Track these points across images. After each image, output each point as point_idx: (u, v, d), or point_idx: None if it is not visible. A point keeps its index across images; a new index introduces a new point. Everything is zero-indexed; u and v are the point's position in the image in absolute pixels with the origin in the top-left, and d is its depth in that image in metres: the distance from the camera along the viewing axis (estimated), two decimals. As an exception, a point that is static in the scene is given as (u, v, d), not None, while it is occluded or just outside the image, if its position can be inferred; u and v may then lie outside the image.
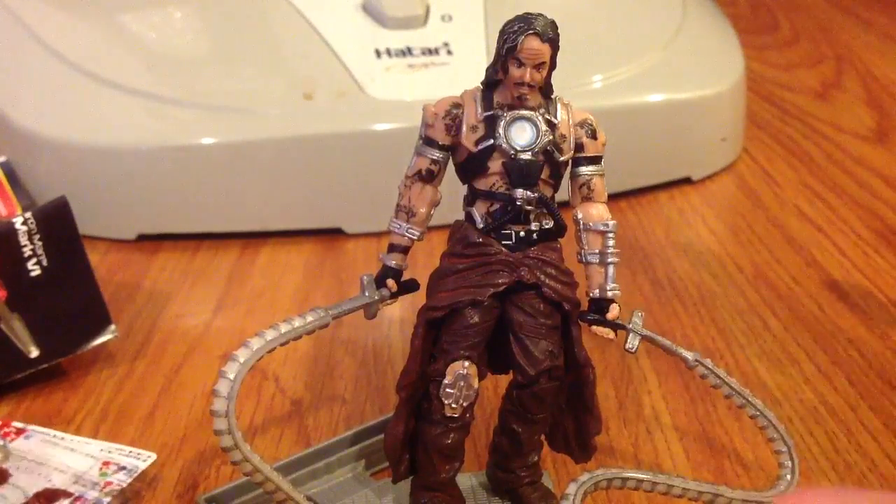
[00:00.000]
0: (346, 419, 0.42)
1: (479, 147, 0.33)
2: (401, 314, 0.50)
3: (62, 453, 0.39)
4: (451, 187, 0.35)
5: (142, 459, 0.38)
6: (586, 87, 0.64)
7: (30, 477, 0.37)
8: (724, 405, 0.43)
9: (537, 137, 0.33)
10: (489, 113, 0.33)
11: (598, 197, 0.35)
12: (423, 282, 0.35)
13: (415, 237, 0.35)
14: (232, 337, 0.49)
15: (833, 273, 0.55)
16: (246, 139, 0.58)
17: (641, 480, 0.33)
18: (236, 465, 0.30)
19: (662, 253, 0.58)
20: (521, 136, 0.33)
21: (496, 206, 0.33)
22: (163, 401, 0.44)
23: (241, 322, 0.51)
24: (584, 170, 0.34)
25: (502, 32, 0.32)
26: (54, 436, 0.40)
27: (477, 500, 0.37)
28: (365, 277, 0.35)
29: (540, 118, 0.33)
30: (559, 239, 0.34)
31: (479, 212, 0.34)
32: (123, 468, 0.38)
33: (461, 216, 0.35)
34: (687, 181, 0.68)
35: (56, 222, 0.46)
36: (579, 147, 0.34)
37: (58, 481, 0.37)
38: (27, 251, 0.45)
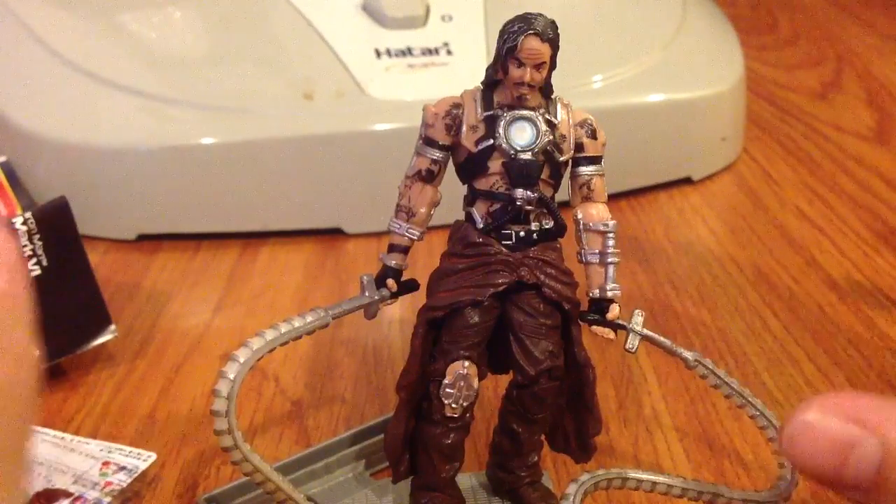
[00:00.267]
0: (346, 419, 0.42)
1: (479, 147, 0.33)
2: (401, 314, 0.50)
3: (62, 453, 0.39)
4: (451, 187, 0.35)
5: (142, 459, 0.38)
6: (586, 87, 0.64)
7: (30, 477, 0.37)
8: (724, 405, 0.43)
9: (537, 137, 0.33)
10: (489, 113, 0.33)
11: (598, 197, 0.35)
12: (423, 282, 0.35)
13: (415, 237, 0.35)
14: (232, 337, 0.49)
15: (833, 273, 0.55)
16: (246, 139, 0.58)
17: (641, 480, 0.33)
18: (236, 465, 0.30)
19: (662, 253, 0.58)
20: (521, 136, 0.33)
21: (496, 206, 0.33)
22: (163, 401, 0.44)
23: (241, 322, 0.51)
24: (584, 170, 0.34)
25: (502, 32, 0.32)
26: (54, 436, 0.40)
27: (477, 500, 0.37)
28: (365, 277, 0.35)
29: (540, 118, 0.33)
30: (559, 239, 0.34)
31: (479, 212, 0.34)
32: (123, 468, 0.38)
33: (461, 216, 0.35)
34: (687, 181, 0.68)
35: (56, 222, 0.46)
36: (579, 147, 0.34)
37: (58, 481, 0.37)
38: (27, 251, 0.45)
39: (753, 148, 0.74)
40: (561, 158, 0.33)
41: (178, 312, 0.52)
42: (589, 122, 0.34)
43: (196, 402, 0.44)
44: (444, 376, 0.33)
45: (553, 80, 0.33)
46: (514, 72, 0.32)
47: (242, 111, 0.59)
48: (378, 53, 0.62)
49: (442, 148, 0.34)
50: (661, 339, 0.35)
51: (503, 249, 0.33)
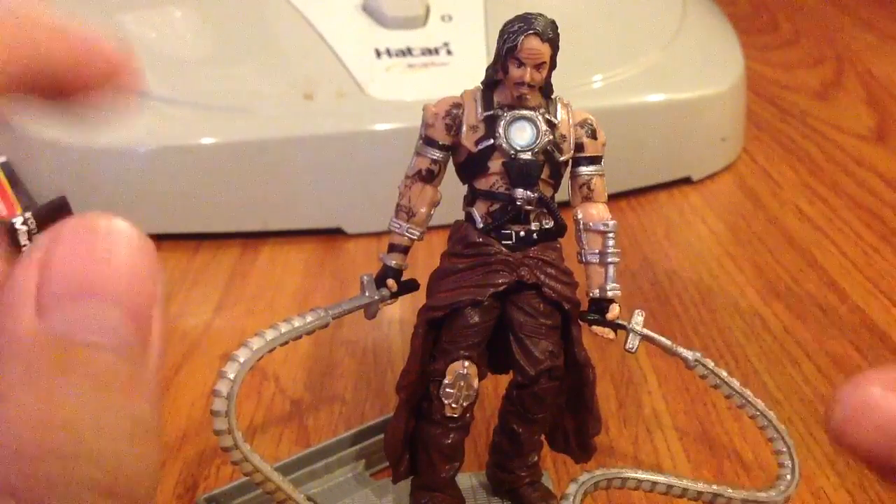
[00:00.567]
0: (346, 419, 0.42)
1: (479, 147, 0.33)
2: (401, 314, 0.50)
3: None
4: (451, 187, 0.35)
5: (142, 459, 0.38)
6: (586, 87, 0.64)
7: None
8: (724, 405, 0.43)
9: (537, 137, 0.33)
10: (489, 113, 0.33)
11: (598, 197, 0.35)
12: (423, 282, 0.35)
13: (415, 237, 0.35)
14: (232, 337, 0.49)
15: (833, 273, 0.55)
16: (246, 139, 0.58)
17: (641, 480, 0.33)
18: (236, 465, 0.30)
19: (662, 253, 0.58)
20: (521, 136, 0.33)
21: (496, 206, 0.33)
22: (163, 401, 0.44)
23: (241, 322, 0.51)
24: (584, 170, 0.34)
25: (502, 32, 0.32)
26: (54, 436, 0.40)
27: (477, 500, 0.37)
28: (365, 277, 0.35)
29: (540, 118, 0.33)
30: (559, 239, 0.34)
31: (479, 212, 0.34)
32: (123, 468, 0.38)
33: (461, 216, 0.35)
34: (687, 181, 0.68)
35: (56, 222, 0.46)
36: (579, 147, 0.34)
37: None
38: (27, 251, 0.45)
39: (753, 148, 0.74)
40: (561, 158, 0.33)
41: (178, 312, 0.52)
42: (589, 122, 0.34)
43: (196, 402, 0.44)
44: (444, 376, 0.33)
45: (553, 80, 0.33)
46: (514, 72, 0.32)
47: (242, 111, 0.59)
48: (378, 53, 0.62)
49: (442, 148, 0.34)
50: (661, 339, 0.35)
51: (503, 249, 0.33)
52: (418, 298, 0.35)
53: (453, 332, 0.33)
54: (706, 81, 0.68)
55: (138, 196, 0.59)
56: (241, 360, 0.30)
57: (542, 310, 0.34)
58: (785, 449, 0.36)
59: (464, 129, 0.33)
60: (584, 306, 0.35)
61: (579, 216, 0.34)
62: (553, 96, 0.34)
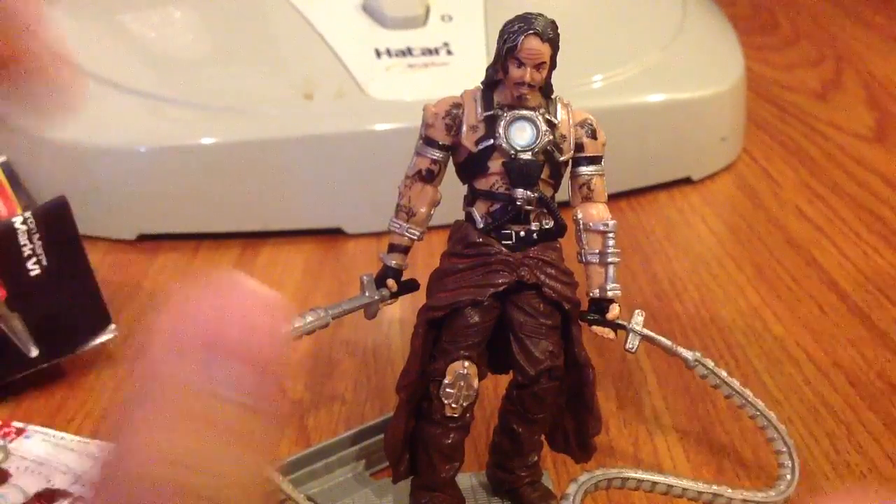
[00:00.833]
0: (346, 419, 0.42)
1: (480, 147, 0.33)
2: (401, 314, 0.50)
3: (62, 453, 0.39)
4: (451, 187, 0.35)
5: (142, 459, 0.38)
6: (586, 87, 0.64)
7: (30, 477, 0.37)
8: (725, 405, 0.43)
9: (537, 137, 0.33)
10: (489, 113, 0.33)
11: (598, 197, 0.35)
12: (423, 282, 0.35)
13: (415, 237, 0.35)
14: (232, 337, 0.49)
15: (833, 273, 0.55)
16: (246, 139, 0.58)
17: (641, 480, 0.33)
18: (236, 465, 0.30)
19: (662, 253, 0.58)
20: (521, 136, 0.33)
21: (496, 206, 0.33)
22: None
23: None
24: (584, 170, 0.34)
25: (502, 32, 0.32)
26: (54, 436, 0.40)
27: (477, 500, 0.37)
28: (365, 277, 0.35)
29: (540, 118, 0.33)
30: (559, 239, 0.34)
31: (479, 212, 0.34)
32: (123, 468, 0.38)
33: (461, 216, 0.35)
34: (687, 181, 0.68)
35: (56, 222, 0.46)
36: (579, 147, 0.34)
37: (58, 481, 0.37)
38: (27, 251, 0.45)
39: (753, 148, 0.74)
40: (561, 158, 0.33)
41: (178, 312, 0.52)
42: (589, 121, 0.34)
43: (196, 402, 0.44)
44: (444, 376, 0.33)
45: (553, 80, 0.33)
46: (514, 72, 0.32)
47: (242, 111, 0.59)
48: (378, 53, 0.62)
49: (442, 148, 0.34)
50: (661, 339, 0.35)
51: (503, 249, 0.33)
52: (418, 298, 0.35)
53: (453, 332, 0.33)
54: (706, 81, 0.68)
55: (138, 196, 0.59)
56: (241, 360, 0.30)
57: (542, 310, 0.34)
58: (785, 449, 0.36)
59: (464, 129, 0.33)
60: (584, 306, 0.35)
61: (579, 216, 0.34)
62: (553, 96, 0.34)
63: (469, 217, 0.34)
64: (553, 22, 0.32)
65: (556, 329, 0.34)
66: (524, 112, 0.33)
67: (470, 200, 0.34)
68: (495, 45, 0.33)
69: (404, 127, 0.57)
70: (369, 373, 0.46)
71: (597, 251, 0.34)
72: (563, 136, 0.33)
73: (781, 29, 1.07)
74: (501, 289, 0.33)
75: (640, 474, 0.33)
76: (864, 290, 0.53)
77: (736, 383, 0.35)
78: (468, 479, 0.38)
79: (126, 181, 0.58)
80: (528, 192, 0.33)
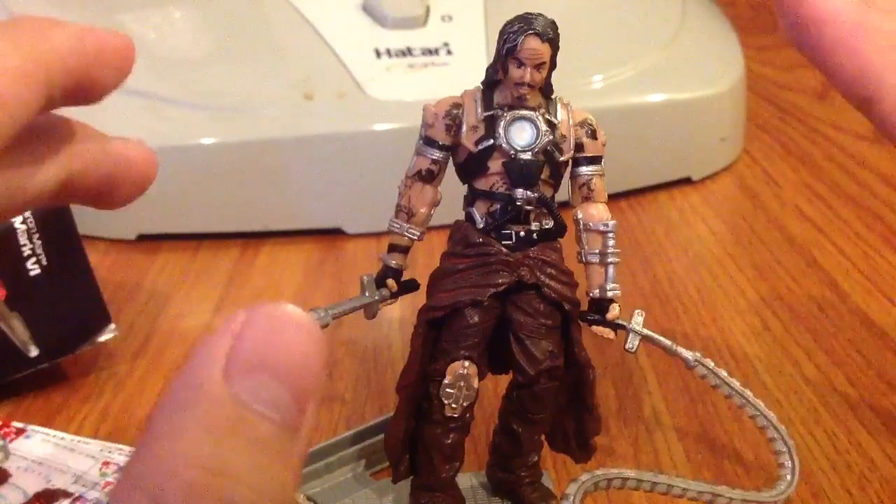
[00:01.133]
0: (346, 419, 0.42)
1: (480, 147, 0.33)
2: (401, 314, 0.50)
3: (62, 453, 0.39)
4: (451, 187, 0.35)
5: (142, 459, 0.38)
6: (586, 87, 0.64)
7: (30, 477, 0.37)
8: (725, 405, 0.43)
9: (537, 137, 0.33)
10: (489, 113, 0.33)
11: (598, 197, 0.35)
12: (423, 282, 0.35)
13: (415, 237, 0.35)
14: (232, 337, 0.49)
15: (833, 273, 0.55)
16: (246, 139, 0.58)
17: (641, 480, 0.33)
18: (236, 465, 0.30)
19: (662, 253, 0.58)
20: (521, 136, 0.33)
21: (496, 206, 0.33)
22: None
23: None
24: (584, 170, 0.34)
25: (502, 32, 0.32)
26: (54, 436, 0.40)
27: (477, 500, 0.37)
28: (365, 277, 0.35)
29: (540, 118, 0.33)
30: (559, 239, 0.34)
31: (479, 212, 0.34)
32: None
33: (461, 216, 0.35)
34: (687, 181, 0.68)
35: (56, 222, 0.46)
36: (579, 147, 0.34)
37: (58, 481, 0.37)
38: (27, 251, 0.45)
39: (753, 148, 0.74)
40: (561, 158, 0.33)
41: (178, 312, 0.52)
42: (589, 122, 0.34)
43: (196, 402, 0.44)
44: (444, 376, 0.33)
45: (553, 80, 0.33)
46: (514, 72, 0.32)
47: (242, 111, 0.59)
48: (378, 53, 0.62)
49: (442, 148, 0.34)
50: (661, 339, 0.35)
51: (503, 249, 0.33)
52: (418, 298, 0.35)
53: (453, 332, 0.33)
54: (706, 81, 0.68)
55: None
56: (241, 360, 0.30)
57: (542, 310, 0.34)
58: (785, 449, 0.36)
59: (464, 129, 0.33)
60: (584, 306, 0.35)
61: (579, 216, 0.34)
62: (553, 96, 0.34)
63: (469, 217, 0.34)
64: (553, 22, 0.32)
65: (556, 329, 0.34)
66: (524, 112, 0.33)
67: (470, 200, 0.34)
68: (495, 45, 0.33)
69: (404, 127, 0.57)
70: (369, 373, 0.46)
71: (597, 251, 0.34)
72: (563, 136, 0.33)
73: (781, 29, 1.07)
74: (501, 289, 0.33)
75: (640, 474, 0.33)
76: (864, 290, 0.53)
77: (736, 383, 0.35)
78: (468, 479, 0.38)
79: (126, 181, 0.58)
80: (528, 192, 0.33)
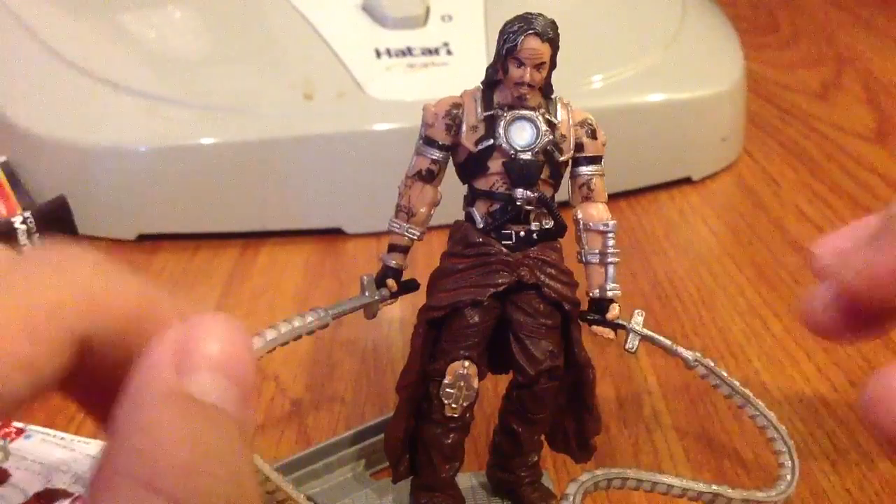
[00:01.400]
0: (346, 419, 0.42)
1: (479, 147, 0.33)
2: (401, 314, 0.50)
3: (62, 453, 0.39)
4: (451, 187, 0.35)
5: (142, 459, 0.38)
6: (586, 87, 0.64)
7: (30, 477, 0.37)
8: (724, 405, 0.43)
9: (537, 137, 0.33)
10: (489, 113, 0.33)
11: (598, 197, 0.35)
12: (423, 282, 0.35)
13: (415, 237, 0.35)
14: (232, 337, 0.49)
15: (833, 273, 0.55)
16: (246, 139, 0.58)
17: (641, 480, 0.33)
18: (236, 465, 0.30)
19: (662, 253, 0.58)
20: (521, 135, 0.33)
21: (496, 206, 0.33)
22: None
23: (241, 322, 0.51)
24: (584, 170, 0.34)
25: (502, 32, 0.32)
26: (54, 436, 0.40)
27: (477, 500, 0.37)
28: (365, 277, 0.35)
29: (540, 118, 0.33)
30: (559, 239, 0.34)
31: (479, 212, 0.34)
32: (123, 468, 0.38)
33: (461, 216, 0.35)
34: (687, 181, 0.68)
35: (56, 222, 0.46)
36: (579, 147, 0.34)
37: (58, 481, 0.37)
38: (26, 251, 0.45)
39: (753, 148, 0.74)
40: (561, 158, 0.33)
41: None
42: (589, 121, 0.34)
43: (196, 402, 0.44)
44: (444, 376, 0.33)
45: (553, 80, 0.33)
46: (514, 72, 0.32)
47: (242, 111, 0.59)
48: (378, 53, 0.62)
49: (442, 148, 0.34)
50: (661, 339, 0.35)
51: (503, 249, 0.33)
52: (418, 298, 0.35)
53: (453, 332, 0.33)
54: (706, 81, 0.68)
55: (138, 196, 0.59)
56: (241, 360, 0.30)
57: (542, 310, 0.34)
58: (785, 449, 0.36)
59: (464, 129, 0.33)
60: (584, 306, 0.35)
61: (579, 216, 0.34)
62: (553, 96, 0.34)
63: (469, 217, 0.34)
64: (553, 22, 0.32)
65: (555, 329, 0.34)
66: (524, 112, 0.33)
67: (470, 200, 0.34)
68: (495, 45, 0.33)
69: (404, 127, 0.57)
70: (369, 373, 0.46)
71: (597, 251, 0.34)
72: (563, 136, 0.33)
73: (781, 29, 1.07)
74: (501, 289, 0.33)
75: (640, 474, 0.33)
76: (864, 290, 0.53)
77: (736, 383, 0.35)
78: (468, 479, 0.38)
79: (126, 181, 0.58)
80: (528, 192, 0.33)
